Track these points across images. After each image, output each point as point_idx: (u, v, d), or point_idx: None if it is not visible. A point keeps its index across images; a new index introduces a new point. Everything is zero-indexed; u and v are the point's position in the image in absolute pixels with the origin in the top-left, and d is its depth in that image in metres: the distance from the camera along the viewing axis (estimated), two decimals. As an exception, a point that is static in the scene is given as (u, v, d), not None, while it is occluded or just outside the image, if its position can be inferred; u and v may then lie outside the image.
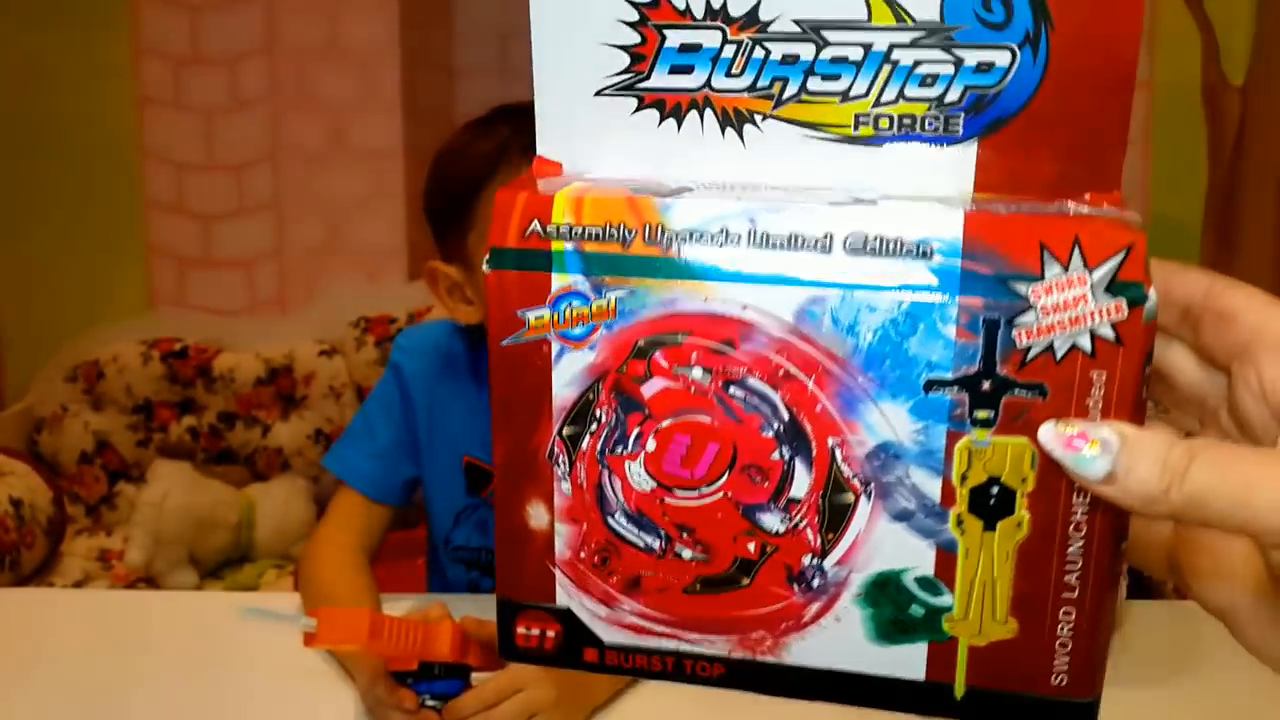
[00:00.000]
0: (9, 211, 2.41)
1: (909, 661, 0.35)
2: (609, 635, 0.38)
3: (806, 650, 0.36)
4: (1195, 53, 2.09)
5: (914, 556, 0.34)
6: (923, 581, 0.34)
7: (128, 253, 2.44)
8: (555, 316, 0.35)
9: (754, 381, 0.34)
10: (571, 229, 0.34)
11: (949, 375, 0.33)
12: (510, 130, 1.11)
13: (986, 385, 0.32)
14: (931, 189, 0.34)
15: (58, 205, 2.41)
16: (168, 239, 2.44)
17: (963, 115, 0.34)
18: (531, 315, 0.35)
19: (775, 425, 0.34)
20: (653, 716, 0.98)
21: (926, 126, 0.34)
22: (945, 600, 0.34)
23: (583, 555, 0.37)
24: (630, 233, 0.34)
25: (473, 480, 1.24)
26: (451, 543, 1.26)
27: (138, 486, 2.23)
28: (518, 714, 0.92)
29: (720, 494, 0.35)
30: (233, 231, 2.43)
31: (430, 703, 0.90)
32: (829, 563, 0.35)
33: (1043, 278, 0.31)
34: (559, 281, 0.35)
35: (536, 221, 0.34)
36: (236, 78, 2.38)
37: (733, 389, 0.34)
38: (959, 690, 0.35)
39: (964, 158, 0.34)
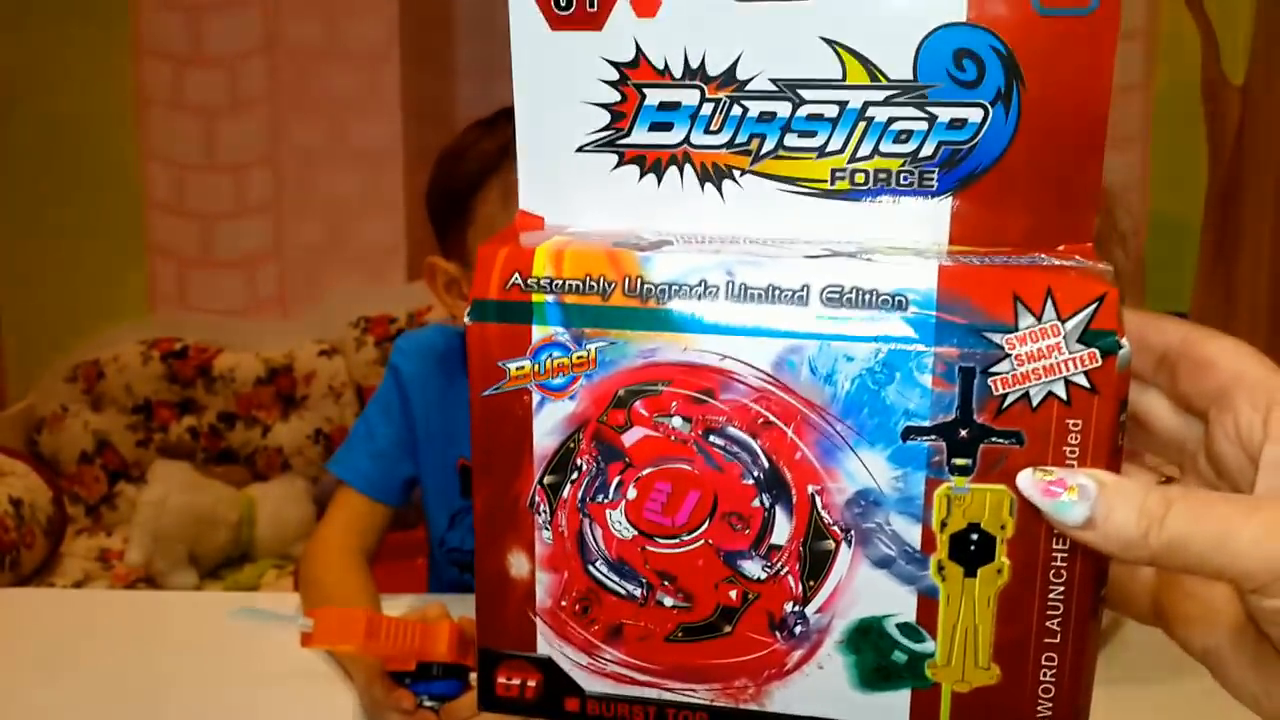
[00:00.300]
0: (9, 211, 2.41)
1: (893, 708, 0.35)
2: (590, 684, 0.38)
3: (789, 698, 0.36)
4: (1195, 53, 2.09)
5: (896, 603, 0.34)
6: (905, 628, 0.35)
7: (128, 253, 2.44)
8: (536, 367, 0.35)
9: (734, 430, 0.34)
10: (552, 282, 0.35)
11: (926, 423, 0.33)
12: (513, 130, 1.11)
13: (964, 433, 0.33)
14: (908, 241, 0.35)
15: (58, 205, 2.41)
16: (168, 239, 2.44)
17: (937, 170, 0.34)
18: (512, 366, 0.35)
19: (755, 473, 0.35)
20: None
21: (901, 181, 0.35)
22: (928, 646, 0.35)
23: (564, 604, 0.37)
24: (610, 285, 0.34)
25: (467, 482, 1.23)
26: (446, 544, 1.26)
27: (138, 486, 2.24)
28: (515, 716, 0.91)
29: (701, 541, 0.35)
30: (233, 231, 2.43)
31: (428, 703, 0.89)
32: (811, 610, 0.35)
33: (1017, 328, 0.32)
34: (539, 333, 0.35)
35: (518, 274, 0.35)
36: (236, 78, 2.38)
37: (713, 437, 0.35)
38: None
39: (939, 211, 0.35)
